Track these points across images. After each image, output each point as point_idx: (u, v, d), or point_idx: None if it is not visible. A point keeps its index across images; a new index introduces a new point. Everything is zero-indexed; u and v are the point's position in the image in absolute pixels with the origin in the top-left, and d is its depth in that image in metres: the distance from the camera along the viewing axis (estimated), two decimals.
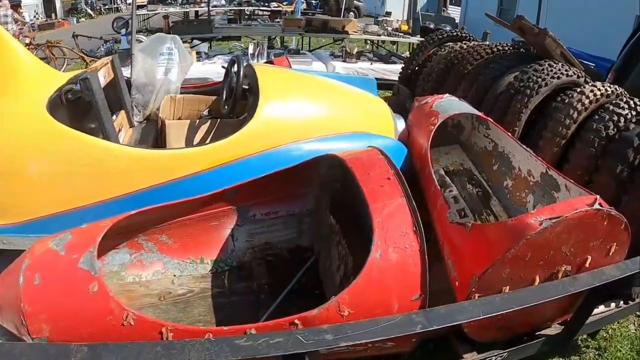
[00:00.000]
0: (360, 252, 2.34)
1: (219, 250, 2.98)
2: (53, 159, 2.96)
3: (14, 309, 1.95)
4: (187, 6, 20.63)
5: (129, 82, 4.49)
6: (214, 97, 4.45)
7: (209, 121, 3.92)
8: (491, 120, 3.67)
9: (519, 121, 3.83)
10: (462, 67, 4.73)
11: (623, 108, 3.44)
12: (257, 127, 3.17)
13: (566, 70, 3.96)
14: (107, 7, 33.77)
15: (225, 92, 3.85)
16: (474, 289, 2.30)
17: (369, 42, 11.78)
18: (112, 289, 2.53)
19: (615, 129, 3.39)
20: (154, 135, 4.09)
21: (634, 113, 3.42)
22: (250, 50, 7.74)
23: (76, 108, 3.35)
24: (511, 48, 4.79)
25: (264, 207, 3.05)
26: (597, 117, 3.52)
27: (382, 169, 2.49)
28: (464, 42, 5.35)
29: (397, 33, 10.69)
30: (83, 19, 30.44)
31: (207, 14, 12.99)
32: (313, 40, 12.92)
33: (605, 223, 2.36)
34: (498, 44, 4.86)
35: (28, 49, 11.70)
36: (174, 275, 2.85)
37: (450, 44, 5.41)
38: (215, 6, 19.89)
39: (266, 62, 5.69)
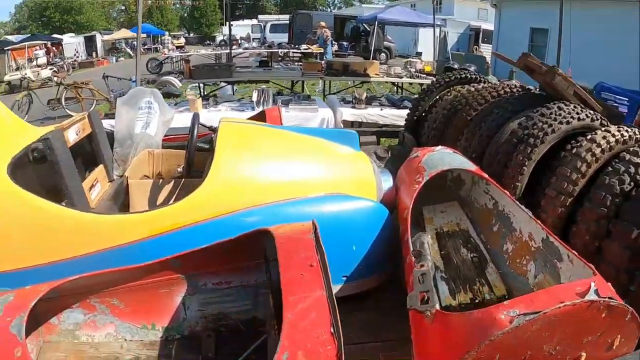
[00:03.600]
0: None
1: (170, 318, 2.83)
2: (7, 220, 2.96)
3: None
4: (220, 49, 21.05)
5: (112, 136, 4.43)
6: None
7: (174, 181, 3.71)
8: (486, 176, 3.23)
9: (522, 175, 3.34)
10: (466, 113, 4.29)
11: None
12: (210, 191, 2.96)
13: (577, 113, 3.44)
14: (146, 47, 35.19)
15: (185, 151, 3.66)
16: None
17: (396, 84, 11.46)
18: (65, 347, 2.63)
19: (632, 184, 2.81)
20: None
21: None
22: (254, 98, 7.55)
23: (45, 165, 3.29)
24: (520, 89, 4.33)
25: (215, 276, 2.83)
26: (610, 169, 2.95)
27: (307, 253, 2.17)
28: (472, 84, 4.91)
29: (419, 74, 10.33)
30: (122, 58, 31.77)
31: (228, 58, 12.96)
32: (341, 83, 12.76)
33: (604, 315, 1.91)
34: (507, 85, 4.43)
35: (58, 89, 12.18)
36: (125, 340, 2.75)
37: (458, 87, 4.99)
38: (246, 48, 20.19)
39: (258, 113, 5.42)
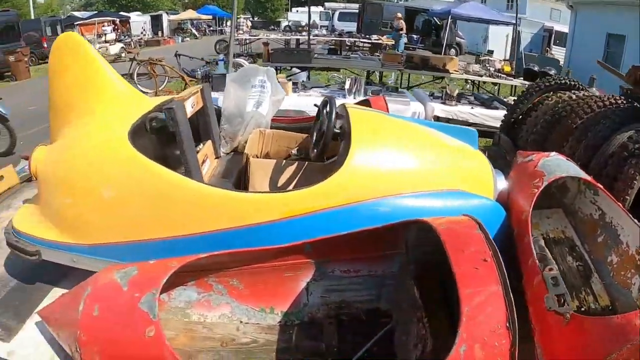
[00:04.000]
0: (443, 336, 2.07)
1: (291, 303, 2.82)
2: (128, 187, 2.93)
3: (71, 334, 2.00)
4: (289, 34, 21.23)
5: (219, 112, 4.45)
6: (304, 135, 4.32)
7: (296, 163, 3.70)
8: (601, 187, 3.28)
9: (632, 189, 3.38)
10: (571, 121, 4.30)
11: None
12: (345, 178, 2.90)
13: None
14: (211, 29, 35.83)
15: (315, 134, 3.63)
16: None
17: (469, 82, 11.39)
18: (174, 325, 2.59)
19: None
20: (238, 170, 3.97)
21: None
22: (347, 86, 7.58)
23: (161, 136, 3.33)
24: (624, 102, 4.33)
25: (344, 264, 2.83)
26: None
27: (478, 248, 2.15)
28: (572, 91, 4.92)
29: (499, 74, 10.25)
30: (188, 39, 32.48)
31: (306, 43, 13.09)
32: (413, 76, 12.72)
33: None
34: (611, 96, 4.42)
35: (131, 64, 12.60)
36: (240, 322, 2.73)
37: (559, 92, 5.01)
38: (316, 35, 20.25)
39: (362, 101, 5.34)
